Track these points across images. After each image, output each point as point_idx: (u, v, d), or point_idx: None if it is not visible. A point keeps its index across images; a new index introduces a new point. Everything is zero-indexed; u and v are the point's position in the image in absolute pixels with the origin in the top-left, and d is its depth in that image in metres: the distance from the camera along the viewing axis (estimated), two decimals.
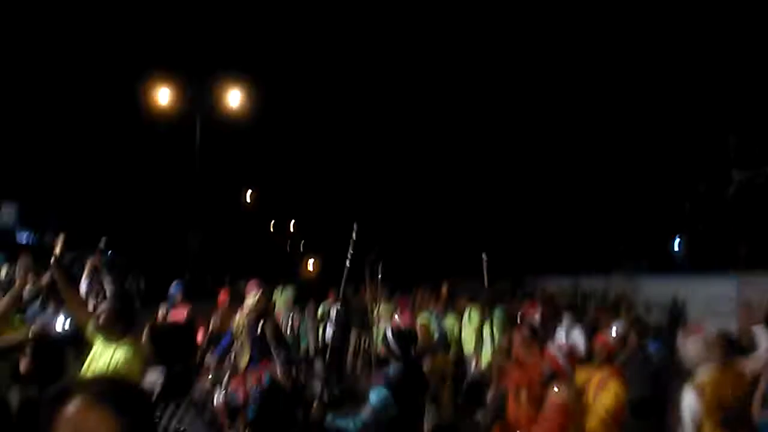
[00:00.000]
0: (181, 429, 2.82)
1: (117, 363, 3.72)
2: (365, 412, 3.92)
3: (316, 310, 10.40)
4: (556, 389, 4.12)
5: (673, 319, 13.17)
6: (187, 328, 3.83)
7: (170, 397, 2.96)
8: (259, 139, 28.02)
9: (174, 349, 3.23)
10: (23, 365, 3.69)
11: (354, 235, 6.27)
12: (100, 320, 3.95)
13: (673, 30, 20.34)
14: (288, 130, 29.92)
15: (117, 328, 3.91)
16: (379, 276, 7.83)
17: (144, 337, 3.53)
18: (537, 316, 7.22)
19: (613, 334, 6.87)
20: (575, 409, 4.04)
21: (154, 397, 2.89)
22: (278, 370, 5.92)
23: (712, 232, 18.63)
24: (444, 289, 11.23)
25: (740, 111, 18.05)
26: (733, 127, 18.36)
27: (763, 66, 17.16)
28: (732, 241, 18.09)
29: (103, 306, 4.11)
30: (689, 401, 3.65)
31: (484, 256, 6.90)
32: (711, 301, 14.43)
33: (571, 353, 4.38)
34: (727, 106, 18.32)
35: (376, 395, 3.99)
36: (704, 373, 3.73)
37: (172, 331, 3.53)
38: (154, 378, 3.14)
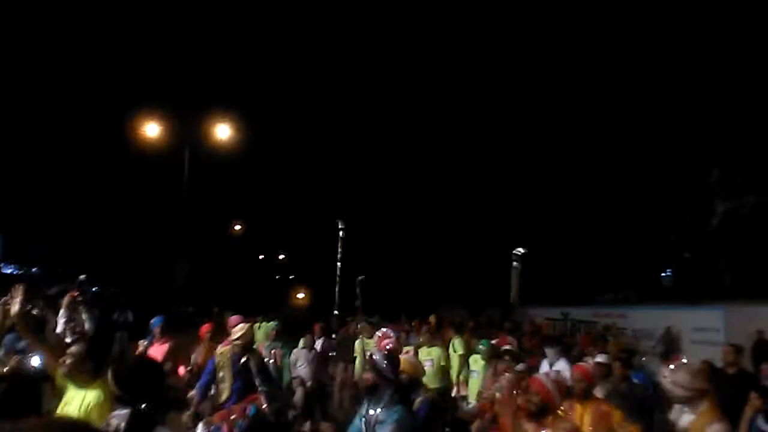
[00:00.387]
0: None
1: (88, 407, 3.61)
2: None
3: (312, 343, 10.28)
4: (559, 423, 3.96)
5: (662, 350, 13.13)
6: (153, 365, 3.70)
7: None
8: (248, 172, 28.15)
9: (138, 388, 3.11)
10: None
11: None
12: (67, 365, 3.83)
13: (656, 66, 20.83)
14: (276, 162, 30.14)
15: (85, 371, 3.80)
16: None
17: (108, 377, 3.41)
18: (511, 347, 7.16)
19: (598, 361, 6.91)
20: None
21: None
22: (263, 404, 5.84)
23: (697, 262, 18.77)
24: (432, 319, 11.24)
25: (722, 143, 18.38)
26: (715, 160, 18.67)
27: (745, 97, 17.55)
28: (718, 271, 18.21)
29: (72, 349, 3.98)
30: None
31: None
32: (697, 331, 14.46)
33: (558, 383, 4.26)
34: (709, 138, 18.65)
35: (394, 414, 3.91)
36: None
37: (136, 369, 3.34)
38: (118, 419, 3.06)
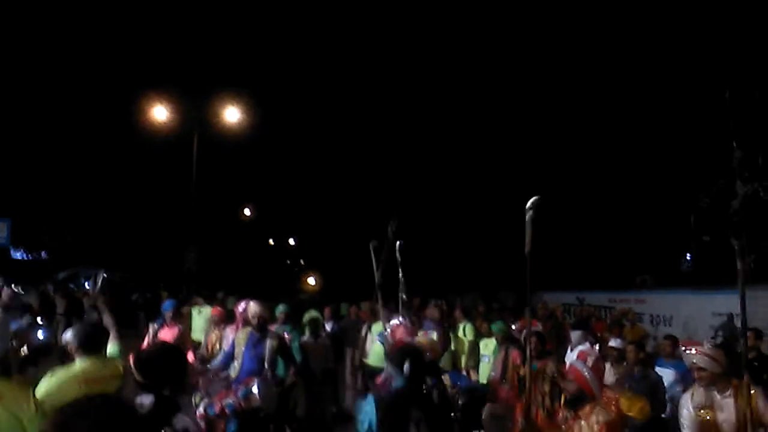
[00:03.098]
0: None
1: None
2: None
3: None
4: (596, 414, 3.65)
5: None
6: (176, 351, 3.56)
7: (159, 423, 2.82)
8: (258, 155, 27.94)
9: (162, 374, 3.07)
10: None
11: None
12: None
13: (676, 43, 20.27)
14: (286, 145, 29.89)
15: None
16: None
17: (130, 363, 3.29)
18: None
19: (612, 345, 6.77)
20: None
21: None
22: (258, 388, 5.74)
23: (717, 246, 18.32)
24: (442, 304, 11.02)
25: (745, 124, 17.87)
26: (737, 140, 18.15)
27: None
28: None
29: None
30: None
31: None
32: (716, 316, 14.12)
33: (597, 370, 3.98)
34: (731, 119, 18.14)
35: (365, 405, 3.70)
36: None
37: (160, 356, 3.26)
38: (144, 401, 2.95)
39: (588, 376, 3.77)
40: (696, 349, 3.76)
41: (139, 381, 3.12)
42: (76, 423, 1.31)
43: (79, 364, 3.48)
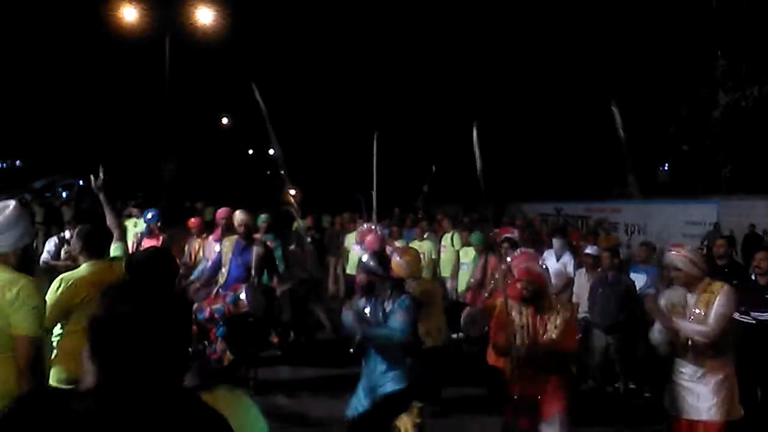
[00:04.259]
0: None
1: None
2: (400, 319, 3.84)
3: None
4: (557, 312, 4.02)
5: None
6: (166, 254, 3.54)
7: None
8: (234, 60, 26.90)
9: (153, 277, 3.06)
10: None
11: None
12: None
13: None
14: (264, 48, 28.65)
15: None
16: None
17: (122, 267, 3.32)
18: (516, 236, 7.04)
19: (587, 252, 7.06)
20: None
21: None
22: (245, 294, 5.86)
23: (696, 156, 18.53)
24: (421, 214, 11.22)
25: (728, 32, 17.54)
26: (721, 49, 17.90)
27: None
28: (716, 166, 18.03)
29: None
30: (722, 302, 3.65)
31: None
32: (690, 225, 14.53)
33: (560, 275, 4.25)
34: (714, 27, 17.79)
35: (403, 302, 3.93)
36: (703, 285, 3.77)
37: (150, 258, 3.25)
38: None
39: (546, 277, 4.07)
40: (676, 251, 3.85)
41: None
42: (118, 303, 1.34)
43: (86, 267, 3.46)
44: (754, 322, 4.66)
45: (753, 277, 5.10)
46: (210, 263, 6.48)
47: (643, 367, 6.30)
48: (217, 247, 6.68)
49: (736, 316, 4.47)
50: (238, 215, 6.31)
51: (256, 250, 6.20)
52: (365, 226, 7.66)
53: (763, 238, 12.29)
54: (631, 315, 6.35)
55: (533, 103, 23.91)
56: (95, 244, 3.55)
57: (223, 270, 6.18)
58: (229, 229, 6.80)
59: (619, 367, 6.49)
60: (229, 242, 6.29)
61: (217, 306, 5.75)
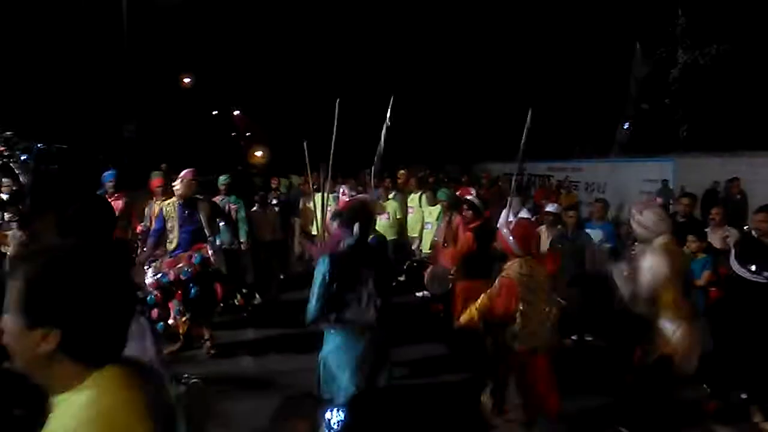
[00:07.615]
0: None
1: None
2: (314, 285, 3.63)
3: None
4: (504, 270, 4.13)
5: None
6: (102, 202, 3.25)
7: None
8: (196, 16, 26.01)
9: (85, 230, 2.77)
10: None
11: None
12: None
13: None
14: (228, 3, 27.65)
15: None
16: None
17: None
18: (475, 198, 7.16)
19: (548, 210, 7.35)
20: (527, 286, 3.99)
21: None
22: (209, 253, 5.87)
23: (656, 115, 18.84)
24: (401, 175, 11.33)
25: None
26: (681, 7, 18.04)
27: None
28: (674, 124, 18.41)
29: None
30: (652, 264, 3.80)
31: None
32: (647, 182, 14.92)
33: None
34: None
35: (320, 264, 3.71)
36: (664, 241, 3.92)
37: (84, 209, 2.91)
38: None
39: (511, 241, 4.15)
40: (640, 210, 4.03)
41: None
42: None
43: None
44: (766, 281, 4.71)
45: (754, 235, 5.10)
46: (156, 223, 6.42)
47: (600, 320, 6.57)
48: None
49: (748, 275, 4.70)
50: (179, 180, 6.24)
51: (201, 210, 6.15)
52: (341, 188, 7.73)
53: (719, 194, 12.78)
54: (589, 267, 6.69)
55: (498, 64, 23.85)
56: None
57: (171, 236, 6.15)
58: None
59: (576, 320, 6.78)
60: (171, 207, 6.22)
61: (183, 267, 5.76)
